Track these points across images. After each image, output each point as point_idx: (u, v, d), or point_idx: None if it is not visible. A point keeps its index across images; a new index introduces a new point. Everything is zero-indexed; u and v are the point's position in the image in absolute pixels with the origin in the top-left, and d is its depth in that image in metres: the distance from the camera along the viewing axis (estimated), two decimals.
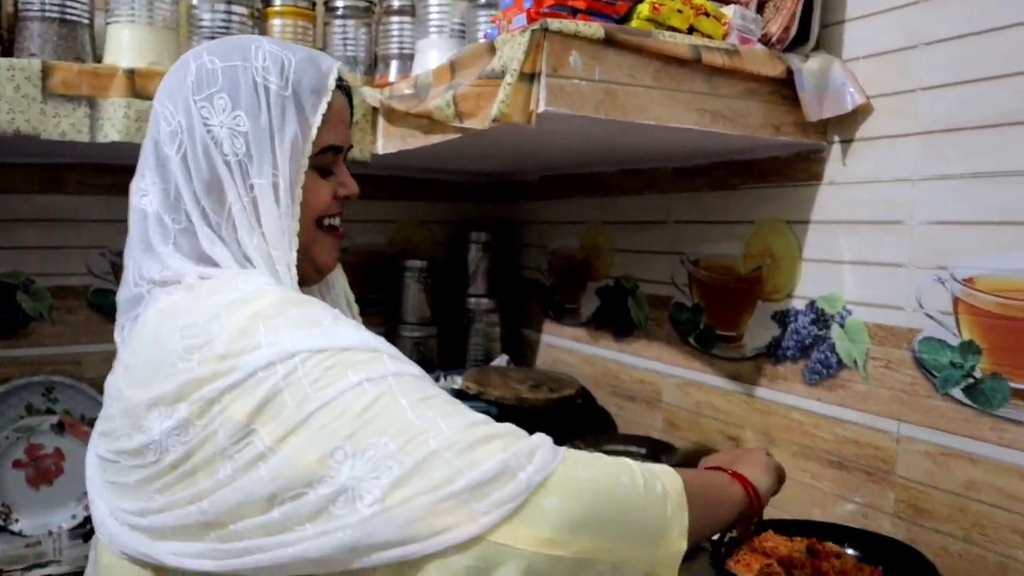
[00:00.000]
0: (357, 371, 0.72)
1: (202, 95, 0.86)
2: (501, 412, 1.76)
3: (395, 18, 1.68)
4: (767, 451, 1.00)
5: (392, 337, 2.19)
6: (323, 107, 0.90)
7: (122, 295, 0.89)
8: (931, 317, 1.19)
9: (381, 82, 1.70)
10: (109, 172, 1.83)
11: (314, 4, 1.68)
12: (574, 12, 1.19)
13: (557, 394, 1.79)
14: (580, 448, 1.53)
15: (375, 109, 1.62)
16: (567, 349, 2.06)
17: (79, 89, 1.39)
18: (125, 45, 1.49)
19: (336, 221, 0.98)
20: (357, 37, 1.70)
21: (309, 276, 0.95)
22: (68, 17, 1.46)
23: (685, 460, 1.31)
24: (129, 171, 0.93)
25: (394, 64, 1.69)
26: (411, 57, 1.66)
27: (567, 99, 1.14)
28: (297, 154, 0.88)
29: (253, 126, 0.86)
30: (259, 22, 1.61)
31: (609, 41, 1.16)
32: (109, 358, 0.89)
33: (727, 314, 1.55)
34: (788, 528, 1.17)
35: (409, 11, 1.66)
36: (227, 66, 0.87)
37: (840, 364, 1.32)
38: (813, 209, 1.37)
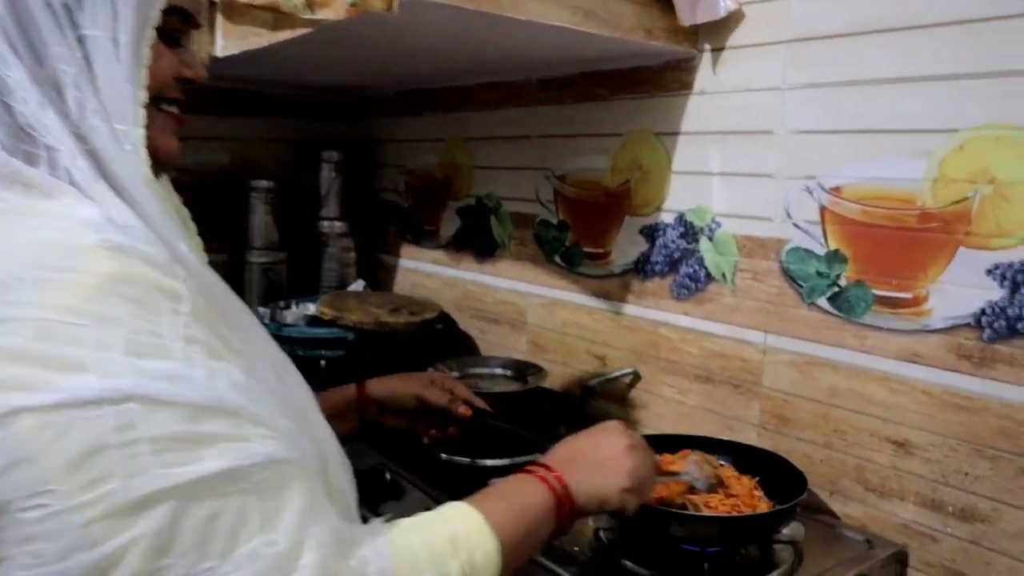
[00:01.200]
0: (213, 453, 0.58)
1: None
2: (359, 337, 1.67)
3: None
4: (624, 428, 0.90)
5: (238, 264, 2.04)
6: None
7: None
8: (798, 227, 1.19)
9: None
10: None
11: None
12: None
13: (418, 317, 1.71)
14: (445, 371, 1.49)
15: (212, 3, 1.44)
16: (426, 273, 1.98)
17: None
18: None
19: (175, 109, 0.78)
20: None
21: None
22: None
23: None
24: None
25: None
26: None
27: None
28: (144, 4, 0.69)
29: None
30: None
31: None
32: None
33: (594, 230, 1.51)
34: (662, 444, 1.15)
35: None
36: None
37: (708, 278, 1.31)
38: (683, 120, 1.34)
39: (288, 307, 1.86)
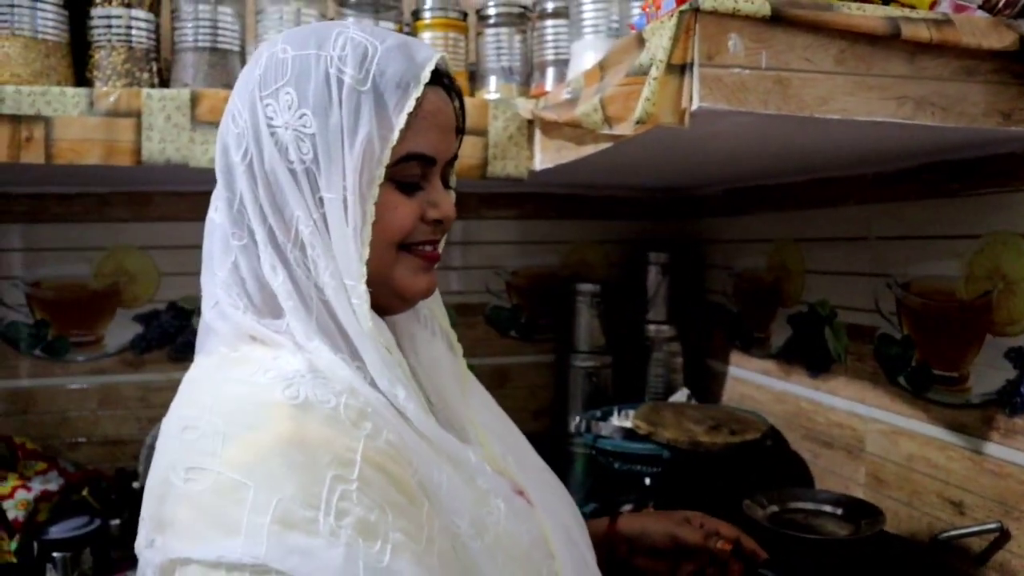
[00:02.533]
0: None
1: (268, 90, 0.73)
2: (673, 457, 1.56)
3: (550, 22, 1.54)
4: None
5: (563, 367, 2.04)
6: (410, 105, 0.73)
7: (200, 325, 0.79)
8: None
9: (537, 92, 1.56)
10: None
11: (466, 15, 1.58)
12: None
13: (738, 438, 1.55)
14: (762, 507, 1.32)
15: (530, 122, 1.49)
16: (755, 384, 1.81)
17: None
18: None
19: (428, 248, 0.80)
20: (511, 46, 1.58)
21: (392, 305, 0.80)
22: (219, 46, 1.45)
23: None
24: None
25: (550, 71, 1.55)
26: (567, 63, 1.51)
27: (726, 92, 0.94)
28: (370, 162, 0.72)
29: (321, 127, 0.71)
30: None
31: (777, 19, 0.94)
32: None
33: (946, 350, 1.26)
34: None
35: (564, 13, 1.52)
36: (299, 55, 0.73)
37: None
38: None
39: (608, 416, 1.81)
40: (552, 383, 2.12)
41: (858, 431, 1.46)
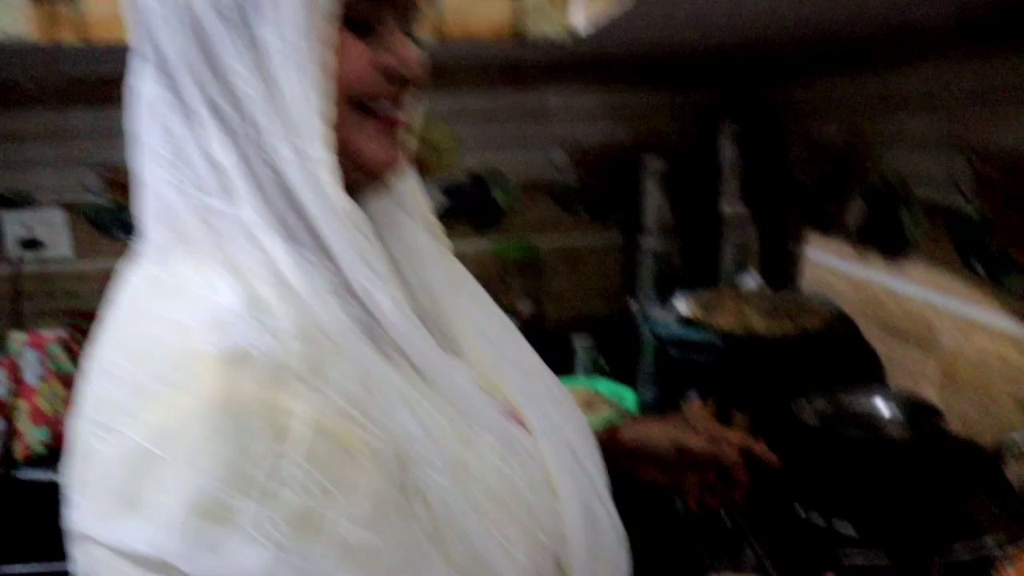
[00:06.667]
0: None
1: None
2: (728, 346, 1.45)
3: None
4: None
5: (631, 248, 1.94)
6: None
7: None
8: None
9: None
10: None
11: None
12: None
13: (797, 327, 1.43)
14: (814, 406, 1.20)
15: None
16: (831, 268, 1.65)
17: None
18: None
19: (384, 106, 0.64)
20: None
21: (358, 181, 0.64)
22: None
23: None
24: None
25: None
26: None
27: None
28: None
29: None
30: None
31: None
32: None
33: None
34: None
35: None
36: None
37: None
38: None
39: (671, 301, 1.70)
40: (622, 265, 2.02)
41: (931, 323, 1.31)
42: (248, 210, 0.58)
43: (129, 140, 0.63)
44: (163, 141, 0.60)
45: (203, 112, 0.58)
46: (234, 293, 0.55)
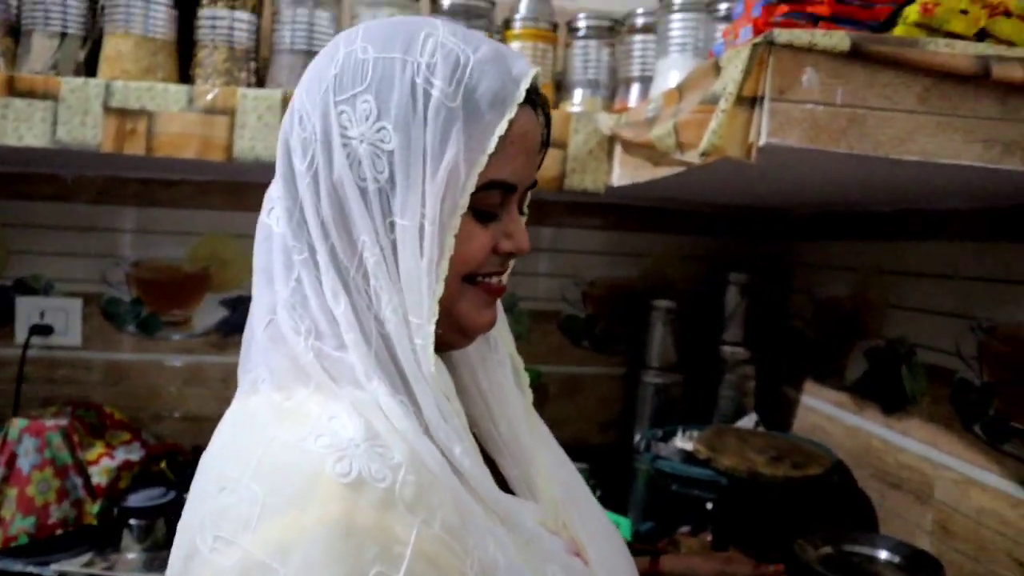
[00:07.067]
0: None
1: (344, 95, 0.65)
2: (731, 485, 1.53)
3: (638, 37, 1.53)
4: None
5: (633, 382, 2.03)
6: (503, 127, 0.66)
7: (245, 336, 0.72)
8: None
9: (620, 107, 1.56)
10: None
11: (555, 26, 1.59)
12: (815, 20, 0.97)
13: (800, 472, 1.52)
14: (815, 548, 1.28)
15: (611, 138, 1.48)
16: (827, 415, 1.76)
17: None
18: None
19: (494, 280, 0.73)
20: (599, 59, 1.58)
21: (452, 340, 0.73)
22: (314, 48, 1.50)
23: None
24: None
25: (635, 87, 1.55)
26: (652, 80, 1.50)
27: (796, 129, 0.92)
28: (454, 188, 0.64)
29: (402, 144, 0.63)
30: None
31: (856, 54, 0.91)
32: None
33: None
34: None
35: (653, 29, 1.51)
36: (382, 58, 0.65)
37: None
38: None
39: (671, 436, 1.79)
40: (622, 396, 2.11)
41: (928, 476, 1.41)
42: (355, 357, 0.65)
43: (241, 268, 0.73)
44: (285, 283, 0.68)
45: (324, 261, 0.66)
46: (353, 424, 0.62)
